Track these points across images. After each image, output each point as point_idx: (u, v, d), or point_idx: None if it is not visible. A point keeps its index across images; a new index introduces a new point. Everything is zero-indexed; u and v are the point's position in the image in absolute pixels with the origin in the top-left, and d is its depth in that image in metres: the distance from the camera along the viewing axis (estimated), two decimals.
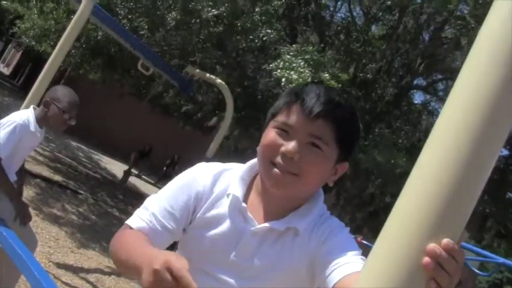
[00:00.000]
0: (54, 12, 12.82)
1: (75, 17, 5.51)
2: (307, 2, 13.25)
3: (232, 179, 1.58)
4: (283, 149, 1.44)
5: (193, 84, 9.65)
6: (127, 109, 20.23)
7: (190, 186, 1.57)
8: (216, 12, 9.60)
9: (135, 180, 17.34)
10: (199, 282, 1.48)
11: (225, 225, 1.53)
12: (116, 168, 17.86)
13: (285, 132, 1.47)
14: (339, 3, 14.10)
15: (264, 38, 9.99)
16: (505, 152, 12.89)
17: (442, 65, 13.91)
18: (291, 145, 1.43)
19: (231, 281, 1.52)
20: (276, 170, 1.45)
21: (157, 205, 1.54)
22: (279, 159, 1.44)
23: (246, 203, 1.56)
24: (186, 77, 9.33)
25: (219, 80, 8.86)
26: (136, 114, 20.32)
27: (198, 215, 1.56)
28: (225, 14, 9.73)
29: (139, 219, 1.52)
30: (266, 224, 1.51)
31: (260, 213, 1.56)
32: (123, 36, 7.81)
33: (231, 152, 13.05)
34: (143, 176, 19.40)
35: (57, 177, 11.41)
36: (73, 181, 12.03)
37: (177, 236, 1.57)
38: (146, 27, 10.75)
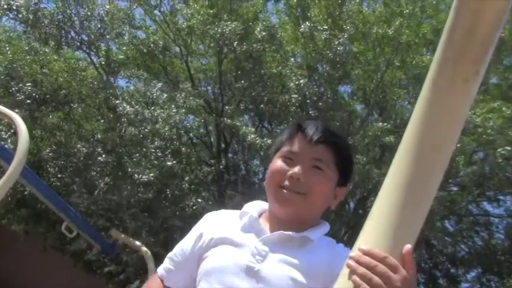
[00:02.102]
0: None
1: (3, 179, 5.49)
2: (237, 169, 13.73)
3: (244, 208, 1.76)
4: (290, 172, 1.63)
5: (117, 248, 9.58)
6: (49, 263, 19.49)
7: (197, 228, 1.79)
8: (146, 178, 9.79)
9: None
10: None
11: (239, 239, 1.64)
12: None
13: (290, 159, 1.67)
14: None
15: (193, 207, 10.16)
16: None
17: None
18: (297, 168, 1.63)
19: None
20: (284, 191, 1.63)
21: (174, 250, 1.82)
22: (286, 182, 1.63)
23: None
24: (110, 240, 9.28)
25: (144, 248, 8.80)
26: (58, 269, 19.54)
27: (211, 237, 1.69)
28: (155, 181, 9.92)
29: (161, 267, 1.84)
30: (280, 231, 1.62)
31: (272, 230, 1.68)
32: (50, 198, 7.83)
33: None
34: None
35: None
36: None
37: (190, 270, 1.73)
38: (75, 188, 10.79)
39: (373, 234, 1.12)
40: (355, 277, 1.11)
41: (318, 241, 1.64)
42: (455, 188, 14.37)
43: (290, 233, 1.60)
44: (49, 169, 11.86)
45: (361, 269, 1.11)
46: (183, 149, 11.17)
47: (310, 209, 1.67)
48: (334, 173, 1.68)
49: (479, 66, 1.05)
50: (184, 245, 1.77)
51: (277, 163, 1.69)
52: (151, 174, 9.82)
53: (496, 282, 16.89)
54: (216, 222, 1.74)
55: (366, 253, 1.11)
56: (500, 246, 15.77)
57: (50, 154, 11.85)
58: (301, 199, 1.62)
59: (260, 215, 1.75)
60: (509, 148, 10.86)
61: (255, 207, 1.76)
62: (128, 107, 9.61)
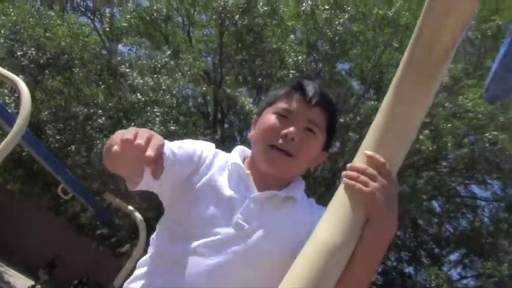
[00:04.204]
0: None
1: (3, 144, 5.64)
2: (232, 140, 13.93)
3: (230, 155, 1.70)
4: (285, 131, 1.58)
5: (111, 211, 9.76)
6: (43, 223, 19.74)
7: (198, 144, 1.67)
8: None
9: None
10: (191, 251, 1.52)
11: (229, 191, 1.59)
12: (20, 282, 17.02)
13: (284, 117, 1.62)
14: None
15: None
16: None
17: None
18: (292, 128, 1.58)
19: (231, 244, 1.53)
20: (274, 151, 1.59)
21: (167, 149, 1.53)
22: (280, 141, 1.58)
23: None
24: (104, 203, 9.42)
25: (138, 215, 8.83)
26: (51, 229, 19.79)
27: (203, 180, 1.61)
28: None
29: None
30: (269, 191, 1.61)
31: (258, 185, 1.64)
32: (48, 161, 7.96)
33: None
34: None
35: None
36: None
37: (171, 170, 1.51)
38: (73, 149, 10.98)
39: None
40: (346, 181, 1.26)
41: (301, 200, 1.67)
42: (445, 170, 14.62)
43: (278, 192, 1.62)
44: (48, 131, 12.04)
45: (349, 179, 1.27)
46: (181, 117, 11.36)
47: (296, 170, 1.68)
48: (323, 137, 1.68)
49: (438, 69, 1.23)
50: (183, 152, 1.60)
51: (271, 119, 1.64)
52: None
53: (478, 264, 17.28)
54: (213, 160, 1.66)
55: (351, 168, 1.27)
56: (484, 229, 16.06)
57: (49, 117, 12.02)
58: (288, 161, 1.60)
59: (243, 161, 1.72)
60: (496, 133, 11.09)
61: (240, 153, 1.73)
62: (133, 72, 9.73)
